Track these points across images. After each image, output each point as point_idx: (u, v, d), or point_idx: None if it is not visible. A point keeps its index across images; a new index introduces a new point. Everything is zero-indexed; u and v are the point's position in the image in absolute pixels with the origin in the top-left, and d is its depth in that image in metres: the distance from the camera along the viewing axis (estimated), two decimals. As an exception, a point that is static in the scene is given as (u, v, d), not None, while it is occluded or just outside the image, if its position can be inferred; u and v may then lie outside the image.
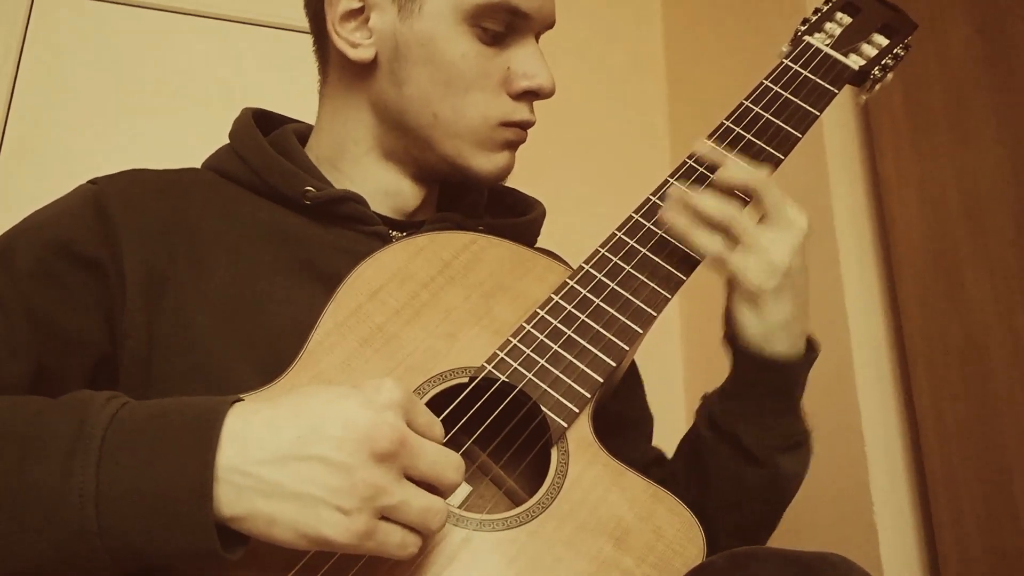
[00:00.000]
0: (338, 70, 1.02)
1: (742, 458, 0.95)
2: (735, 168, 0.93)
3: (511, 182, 1.06)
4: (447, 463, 0.68)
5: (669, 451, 1.09)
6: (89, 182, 0.96)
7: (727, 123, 0.98)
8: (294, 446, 0.64)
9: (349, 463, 0.63)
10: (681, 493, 0.93)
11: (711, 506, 0.95)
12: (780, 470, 0.96)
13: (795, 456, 0.97)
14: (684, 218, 0.90)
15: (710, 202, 0.90)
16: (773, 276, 0.90)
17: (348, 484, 0.63)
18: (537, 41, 1.00)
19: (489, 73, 0.96)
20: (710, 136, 0.97)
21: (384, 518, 0.64)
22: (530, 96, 0.99)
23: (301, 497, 0.63)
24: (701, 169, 0.95)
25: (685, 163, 0.96)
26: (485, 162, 0.99)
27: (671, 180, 0.95)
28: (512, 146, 1.01)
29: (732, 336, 0.96)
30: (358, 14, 0.97)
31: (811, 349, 0.98)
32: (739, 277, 0.91)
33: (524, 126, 1.00)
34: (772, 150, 0.96)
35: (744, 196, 0.92)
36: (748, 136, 0.96)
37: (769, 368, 0.93)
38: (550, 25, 1.00)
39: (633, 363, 1.11)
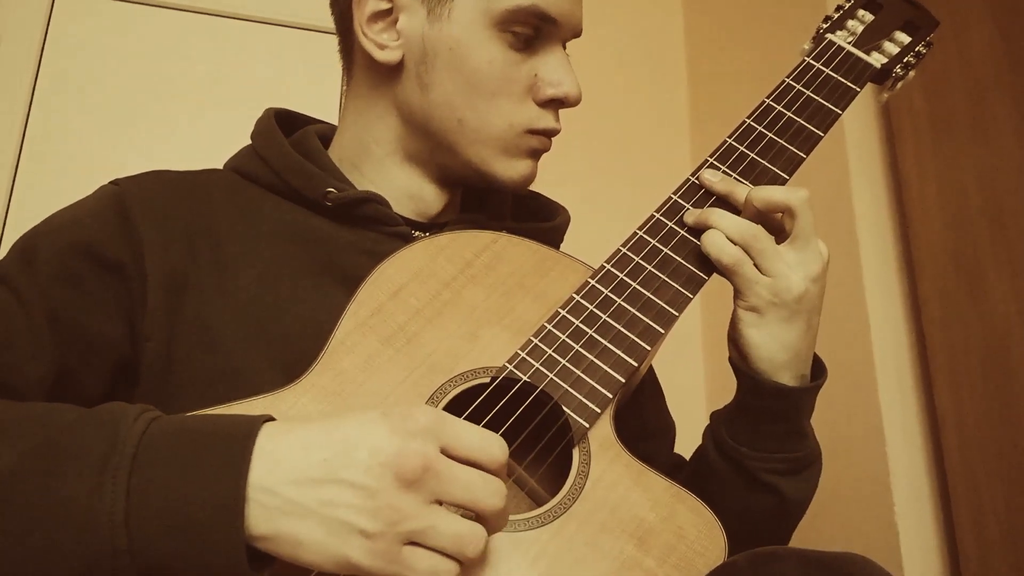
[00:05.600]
0: (363, 71, 1.01)
1: (745, 482, 0.93)
2: (771, 188, 0.91)
3: (534, 183, 1.05)
4: (483, 489, 0.66)
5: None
6: (111, 183, 0.96)
7: (748, 121, 0.98)
8: (321, 469, 0.64)
9: (374, 487, 0.63)
10: None
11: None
12: (784, 494, 0.93)
13: (799, 479, 0.95)
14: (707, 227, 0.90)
15: (730, 223, 0.89)
16: (785, 300, 0.88)
17: (372, 508, 0.63)
18: (564, 49, 0.99)
19: (516, 80, 0.95)
20: (731, 135, 0.97)
21: (416, 543, 0.64)
22: (556, 104, 0.98)
23: (326, 520, 0.63)
24: (723, 168, 0.95)
25: (707, 161, 0.96)
26: (508, 169, 0.99)
27: (692, 179, 0.95)
28: (536, 154, 1.00)
29: (736, 358, 0.95)
30: (386, 15, 0.97)
31: (818, 375, 0.96)
32: (750, 295, 0.89)
33: (549, 134, 1.00)
34: (794, 149, 0.95)
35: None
36: (770, 135, 0.96)
37: (771, 394, 0.91)
38: (577, 33, 1.00)
39: (652, 372, 1.10)
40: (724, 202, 0.93)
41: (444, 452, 0.66)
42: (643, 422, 1.03)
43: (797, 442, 0.94)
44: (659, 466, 1.00)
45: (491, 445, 0.68)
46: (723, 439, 0.94)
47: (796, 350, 0.91)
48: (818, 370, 0.96)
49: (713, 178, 0.94)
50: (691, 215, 0.92)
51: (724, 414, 0.97)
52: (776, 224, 0.92)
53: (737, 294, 0.91)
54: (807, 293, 0.89)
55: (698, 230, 0.91)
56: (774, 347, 0.90)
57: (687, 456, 1.08)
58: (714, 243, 0.89)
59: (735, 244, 0.89)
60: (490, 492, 0.66)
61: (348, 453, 0.64)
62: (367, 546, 0.62)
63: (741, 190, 0.92)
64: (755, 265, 0.89)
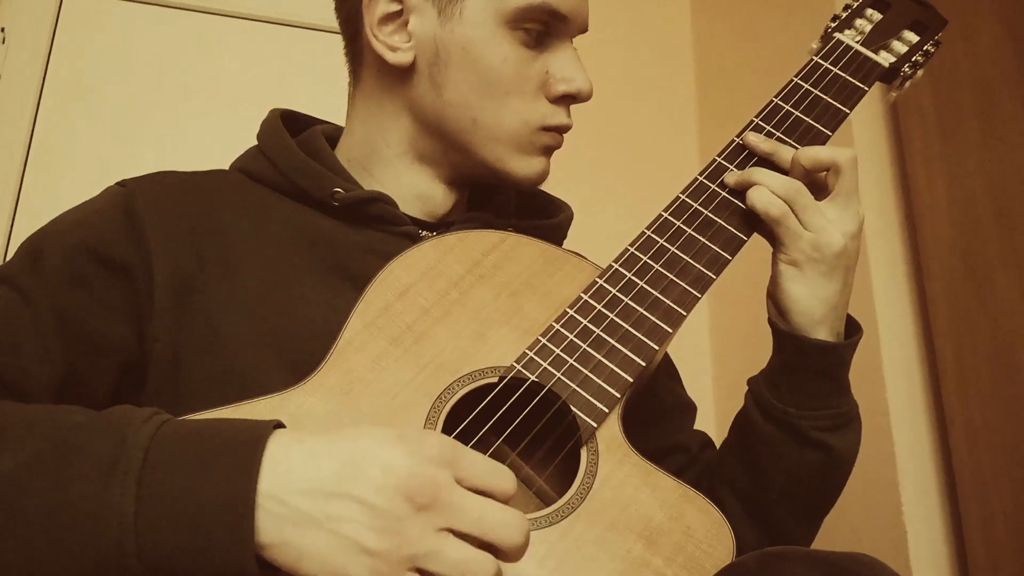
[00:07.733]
0: (373, 73, 1.01)
1: (794, 442, 0.94)
2: (818, 147, 0.94)
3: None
4: (494, 521, 0.64)
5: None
6: (117, 184, 0.96)
7: (757, 120, 0.98)
8: (331, 482, 0.63)
9: (383, 507, 0.62)
10: (735, 481, 0.95)
11: (771, 491, 0.95)
12: (835, 449, 0.95)
13: (847, 433, 0.97)
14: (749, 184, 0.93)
15: (772, 179, 0.92)
16: (825, 254, 0.91)
17: (379, 527, 0.61)
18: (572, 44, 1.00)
19: (529, 77, 0.96)
20: (740, 134, 0.97)
21: (419, 568, 0.62)
22: (568, 100, 0.99)
23: (332, 534, 0.62)
24: (732, 167, 0.95)
25: (715, 161, 0.96)
26: (524, 166, 0.99)
27: (700, 178, 0.95)
28: (549, 151, 1.01)
29: (778, 316, 0.96)
30: (396, 17, 0.97)
31: (854, 331, 0.98)
32: (793, 249, 0.92)
33: (562, 130, 1.00)
34: (803, 148, 0.95)
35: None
36: (778, 134, 0.96)
37: (816, 350, 0.93)
38: (584, 29, 1.00)
39: (666, 354, 1.10)
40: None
41: (457, 482, 0.64)
42: (655, 403, 1.04)
43: (841, 397, 0.96)
44: (685, 443, 1.02)
45: (501, 477, 0.66)
46: (767, 401, 0.95)
47: (833, 305, 0.93)
48: (851, 329, 0.98)
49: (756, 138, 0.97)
50: (732, 176, 0.95)
51: (764, 377, 0.98)
52: (820, 183, 0.95)
53: (779, 248, 0.93)
54: (846, 249, 0.92)
55: (736, 193, 0.94)
56: (813, 302, 0.93)
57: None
58: (760, 197, 0.91)
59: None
60: (504, 524, 0.64)
61: (359, 468, 0.63)
62: (369, 564, 0.61)
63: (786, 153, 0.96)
64: (801, 216, 0.91)
